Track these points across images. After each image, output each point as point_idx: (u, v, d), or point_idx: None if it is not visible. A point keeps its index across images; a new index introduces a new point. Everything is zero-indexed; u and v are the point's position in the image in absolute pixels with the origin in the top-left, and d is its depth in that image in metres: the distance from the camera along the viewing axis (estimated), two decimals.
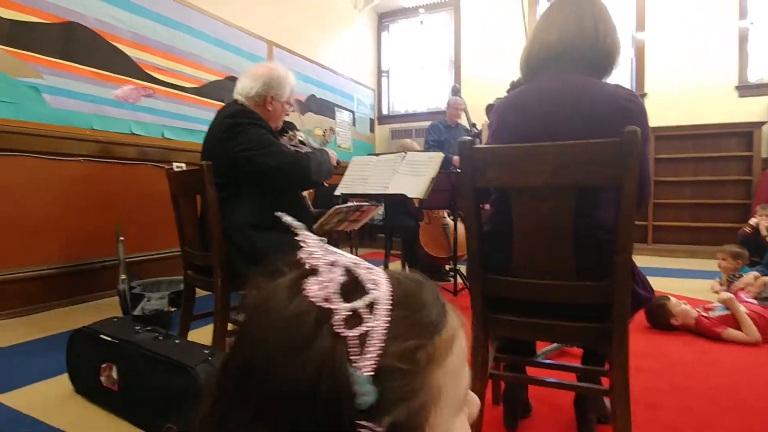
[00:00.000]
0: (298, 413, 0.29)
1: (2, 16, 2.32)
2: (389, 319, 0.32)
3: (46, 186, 2.52)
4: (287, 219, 0.37)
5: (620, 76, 1.28)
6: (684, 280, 3.31)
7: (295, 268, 0.35)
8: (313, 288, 0.32)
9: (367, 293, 0.33)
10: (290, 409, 0.29)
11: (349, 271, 0.34)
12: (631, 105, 1.02)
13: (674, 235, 4.61)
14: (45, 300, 2.49)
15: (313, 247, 0.35)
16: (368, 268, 0.35)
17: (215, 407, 0.33)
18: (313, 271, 0.33)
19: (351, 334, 0.30)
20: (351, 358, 0.30)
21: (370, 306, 0.32)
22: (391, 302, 0.33)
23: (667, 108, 4.54)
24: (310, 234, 0.36)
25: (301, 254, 0.35)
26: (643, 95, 4.73)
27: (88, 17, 2.70)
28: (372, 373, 0.29)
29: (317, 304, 0.31)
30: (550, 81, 1.10)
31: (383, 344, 0.31)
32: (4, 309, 2.31)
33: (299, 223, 0.36)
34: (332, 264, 0.34)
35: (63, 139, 2.57)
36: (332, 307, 0.31)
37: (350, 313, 0.31)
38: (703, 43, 4.55)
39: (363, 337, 0.30)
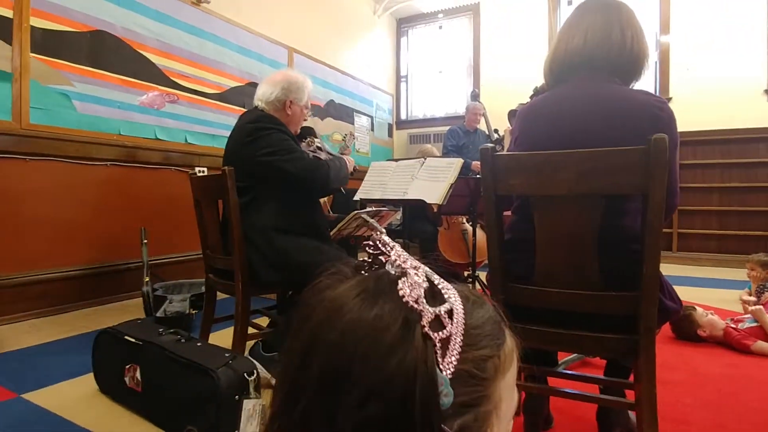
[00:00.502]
0: (391, 411, 0.29)
1: (35, 25, 2.40)
2: (465, 327, 0.34)
3: (75, 189, 2.60)
4: (366, 217, 0.39)
5: (643, 79, 1.26)
6: (711, 290, 3.21)
7: (353, 272, 0.36)
8: (405, 289, 0.32)
9: (445, 300, 0.34)
10: (384, 408, 0.29)
11: (428, 278, 0.35)
12: (660, 112, 0.99)
13: (700, 243, 4.48)
14: (71, 300, 2.56)
15: (398, 250, 0.36)
16: (438, 277, 0.36)
17: (295, 410, 0.31)
18: (402, 274, 0.34)
19: (437, 337, 0.32)
20: (437, 359, 0.31)
21: (450, 313, 0.34)
22: (464, 312, 0.34)
23: (692, 112, 4.43)
24: (388, 239, 0.37)
25: (385, 258, 0.36)
26: (668, 99, 4.62)
27: (116, 26, 2.78)
28: (451, 377, 0.31)
29: (410, 304, 0.32)
30: (576, 87, 1.08)
31: (460, 350, 0.32)
32: (32, 309, 2.39)
33: (378, 225, 0.38)
34: (416, 269, 0.34)
35: (91, 144, 2.65)
36: (422, 309, 0.32)
37: (435, 317, 0.32)
38: (730, 45, 4.43)
39: (445, 342, 0.32)
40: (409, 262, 0.35)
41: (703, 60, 4.54)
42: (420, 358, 0.30)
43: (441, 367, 0.31)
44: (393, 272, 0.35)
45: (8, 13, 2.30)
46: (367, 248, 0.37)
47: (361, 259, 0.38)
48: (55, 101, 2.50)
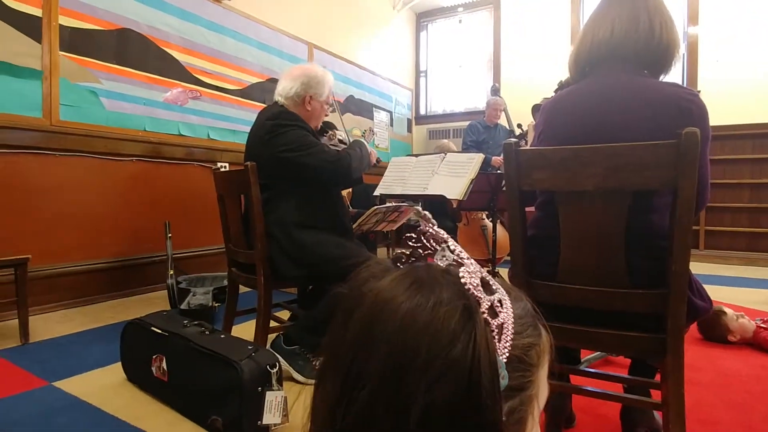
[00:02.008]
0: (458, 395, 0.29)
1: (64, 24, 2.47)
2: (513, 316, 0.36)
3: (103, 184, 2.67)
4: (425, 213, 0.40)
5: (671, 71, 1.22)
6: (740, 289, 3.12)
7: (392, 265, 0.37)
8: (467, 277, 0.34)
9: (495, 290, 0.36)
10: (451, 392, 0.29)
11: (480, 270, 0.36)
12: (691, 105, 0.96)
13: (729, 241, 4.35)
14: (100, 292, 2.64)
15: (453, 243, 0.37)
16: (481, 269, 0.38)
17: (357, 401, 0.31)
18: (460, 263, 0.35)
19: (494, 323, 0.34)
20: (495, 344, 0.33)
21: (500, 302, 0.35)
22: (510, 302, 0.36)
23: (722, 106, 4.27)
24: (442, 232, 0.38)
25: (424, 251, 0.37)
26: (697, 91, 4.48)
27: (142, 24, 2.83)
28: (505, 361, 0.33)
29: (471, 291, 0.33)
30: (603, 80, 1.05)
31: (512, 337, 0.34)
32: (63, 300, 2.47)
33: (431, 218, 0.39)
34: (469, 258, 0.36)
35: (118, 140, 2.72)
36: (480, 296, 0.34)
37: (490, 305, 0.34)
38: (760, 36, 4.26)
39: (500, 328, 0.34)
40: (465, 254, 0.36)
41: (733, 52, 4.38)
42: (482, 343, 0.30)
43: (498, 351, 0.33)
44: (441, 264, 0.36)
45: (37, 12, 2.37)
46: (409, 241, 0.38)
47: (399, 252, 0.39)
48: (83, 98, 2.57)
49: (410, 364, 0.30)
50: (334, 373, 0.33)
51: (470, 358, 0.30)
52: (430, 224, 0.38)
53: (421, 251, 0.37)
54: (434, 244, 0.37)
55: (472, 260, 0.36)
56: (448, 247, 0.37)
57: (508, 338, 0.34)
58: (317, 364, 0.37)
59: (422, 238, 0.37)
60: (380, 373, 0.30)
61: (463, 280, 0.33)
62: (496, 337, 0.33)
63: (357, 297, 0.34)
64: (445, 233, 0.37)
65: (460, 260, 0.35)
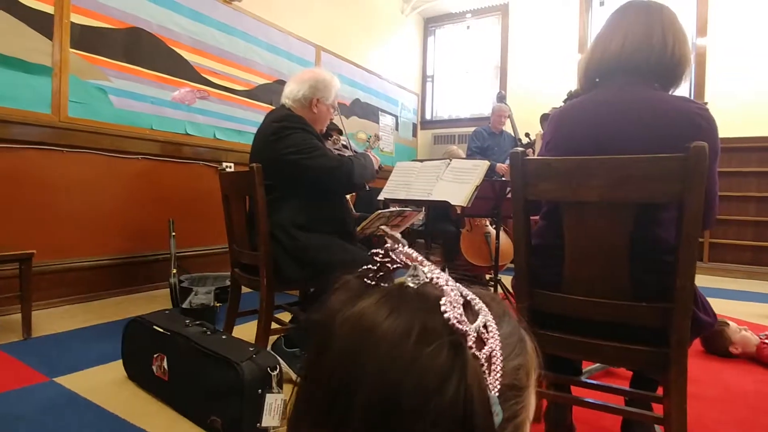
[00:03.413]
0: None
1: (75, 21, 2.49)
2: (500, 338, 0.32)
3: (109, 182, 2.69)
4: (393, 234, 0.36)
5: (680, 86, 1.21)
6: (744, 303, 3.10)
7: (360, 284, 0.34)
8: (449, 311, 0.30)
9: (479, 313, 0.33)
10: None
11: (459, 291, 0.33)
12: (700, 120, 0.96)
13: (734, 254, 4.32)
14: (103, 288, 2.65)
15: (429, 266, 0.34)
16: (460, 285, 0.34)
17: None
18: (441, 293, 0.31)
19: (482, 355, 0.30)
20: (486, 379, 0.30)
21: (486, 327, 0.32)
22: (495, 322, 0.33)
23: (729, 118, 4.25)
24: (413, 252, 0.35)
25: (391, 264, 0.34)
26: (704, 104, 4.46)
27: (152, 23, 2.86)
28: (498, 394, 0.30)
29: (456, 326, 0.30)
30: (612, 92, 1.05)
31: (501, 365, 0.31)
32: (67, 295, 2.48)
33: (397, 235, 0.36)
34: (448, 283, 0.32)
35: (125, 138, 2.73)
36: (466, 329, 0.30)
37: (476, 334, 0.31)
38: None
39: (489, 358, 0.31)
40: (443, 277, 0.33)
41: (741, 64, 4.37)
42: (474, 383, 0.28)
43: (489, 386, 0.30)
44: (412, 284, 0.33)
45: (50, 9, 2.39)
46: (375, 255, 0.35)
47: (363, 268, 0.36)
48: (92, 96, 2.59)
49: (398, 408, 0.27)
50: (314, 414, 0.31)
51: (462, 401, 0.27)
52: (400, 243, 0.35)
53: (389, 266, 0.35)
54: (404, 259, 0.34)
55: (449, 281, 0.33)
56: (422, 268, 0.33)
57: (498, 368, 0.31)
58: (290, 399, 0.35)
59: (390, 254, 0.35)
60: (365, 418, 0.28)
61: (446, 315, 0.30)
62: (486, 371, 0.30)
63: (330, 329, 0.32)
64: (415, 252, 0.35)
65: (437, 286, 0.32)
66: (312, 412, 0.31)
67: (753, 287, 3.70)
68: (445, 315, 0.30)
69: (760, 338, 2.01)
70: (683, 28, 1.05)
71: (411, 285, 0.33)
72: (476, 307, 0.33)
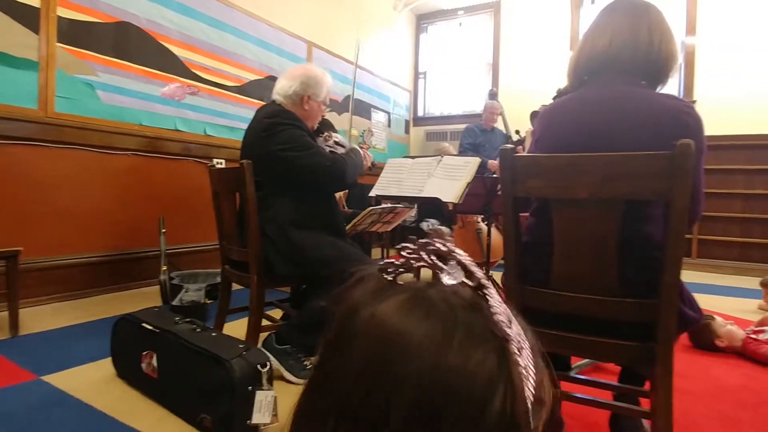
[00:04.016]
0: None
1: (62, 15, 2.45)
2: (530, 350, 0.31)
3: (97, 178, 2.65)
4: (440, 229, 0.34)
5: (667, 84, 1.22)
6: (731, 299, 3.14)
7: (379, 278, 0.33)
8: (498, 309, 0.29)
9: (512, 320, 0.31)
10: None
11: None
12: (687, 118, 0.97)
13: (722, 251, 4.38)
14: (92, 286, 2.62)
15: (476, 267, 0.32)
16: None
17: None
18: (484, 296, 0.30)
19: (521, 363, 0.29)
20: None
21: (521, 336, 0.31)
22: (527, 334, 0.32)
23: (717, 117, 4.31)
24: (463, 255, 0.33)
25: (418, 264, 0.32)
26: (693, 102, 4.51)
27: (140, 18, 2.82)
28: (530, 406, 0.29)
29: (504, 331, 0.29)
30: (600, 89, 1.06)
31: (534, 376, 0.30)
32: (54, 293, 2.45)
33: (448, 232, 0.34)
34: (490, 285, 0.31)
35: (114, 133, 2.70)
36: (511, 334, 0.29)
37: (518, 342, 0.30)
38: (757, 47, 4.30)
39: (526, 368, 0.29)
40: (483, 276, 0.31)
41: (730, 62, 4.42)
42: (518, 393, 0.27)
43: (528, 397, 0.29)
44: (449, 281, 0.31)
45: (36, 3, 2.35)
46: (404, 251, 0.33)
47: (384, 262, 0.34)
48: (79, 91, 2.55)
49: (443, 415, 0.26)
50: (335, 410, 0.29)
51: (510, 410, 0.27)
52: (443, 240, 0.33)
53: (413, 262, 0.33)
54: (434, 259, 0.32)
55: (493, 287, 0.31)
56: (462, 264, 0.32)
57: (532, 379, 0.29)
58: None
59: (421, 251, 0.33)
60: (406, 424, 0.26)
61: (496, 317, 0.28)
62: (525, 380, 0.29)
63: (355, 321, 0.30)
64: (457, 250, 0.33)
65: (482, 285, 0.30)
66: (332, 410, 0.29)
67: (740, 283, 3.76)
68: (496, 317, 0.29)
69: (747, 332, 2.04)
70: (669, 27, 1.06)
71: (446, 283, 0.31)
72: (509, 313, 0.31)
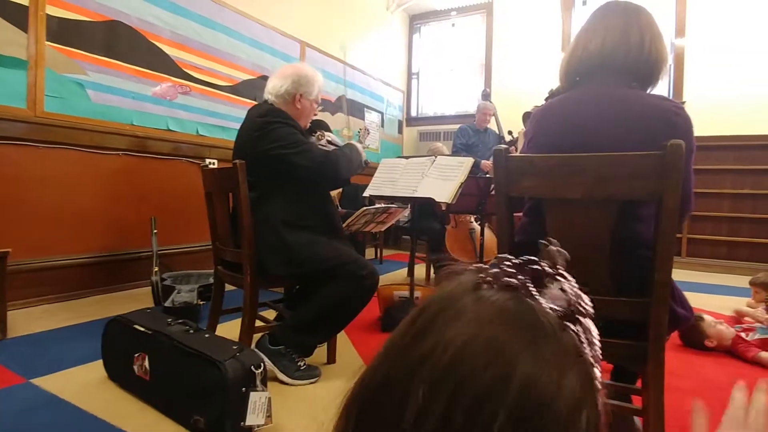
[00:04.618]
0: None
1: (51, 13, 2.42)
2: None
3: (88, 178, 2.63)
4: (560, 251, 0.35)
5: (658, 85, 1.24)
6: (720, 297, 3.18)
7: (474, 288, 0.32)
8: (587, 348, 0.30)
9: (594, 342, 0.32)
10: None
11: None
12: (677, 118, 0.98)
13: (710, 249, 4.44)
14: (82, 287, 2.59)
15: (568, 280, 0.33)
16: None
17: None
18: (579, 314, 0.31)
19: (601, 388, 0.30)
20: None
21: (594, 358, 0.32)
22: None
23: (706, 117, 4.36)
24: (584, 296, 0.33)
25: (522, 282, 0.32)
26: (682, 103, 4.55)
27: (131, 16, 2.79)
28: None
29: (592, 355, 0.30)
30: (592, 90, 1.07)
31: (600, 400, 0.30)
32: (44, 294, 2.42)
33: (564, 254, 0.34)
34: (586, 303, 0.33)
35: (105, 133, 2.67)
36: (592, 360, 0.30)
37: (594, 364, 0.31)
38: (746, 49, 4.36)
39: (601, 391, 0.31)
40: (583, 298, 0.32)
41: (719, 64, 4.48)
42: (600, 416, 0.28)
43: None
44: (547, 301, 0.31)
45: (24, 1, 2.32)
46: (529, 264, 0.32)
47: (483, 275, 0.33)
48: (69, 90, 2.52)
49: (535, 422, 0.26)
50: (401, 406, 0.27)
51: (582, 405, 0.27)
52: (561, 271, 0.33)
53: (512, 279, 0.32)
54: (534, 285, 0.32)
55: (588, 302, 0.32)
56: (564, 287, 0.32)
57: (600, 402, 0.30)
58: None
59: (520, 270, 0.32)
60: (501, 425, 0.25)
61: (584, 346, 0.29)
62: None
63: (456, 305, 0.30)
64: (567, 276, 0.33)
65: (582, 311, 0.31)
66: (402, 398, 0.28)
67: (728, 281, 3.81)
68: (584, 346, 0.30)
69: (736, 330, 2.07)
70: (659, 29, 1.08)
71: (552, 307, 0.31)
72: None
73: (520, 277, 0.32)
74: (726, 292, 3.36)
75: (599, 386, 0.30)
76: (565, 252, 0.34)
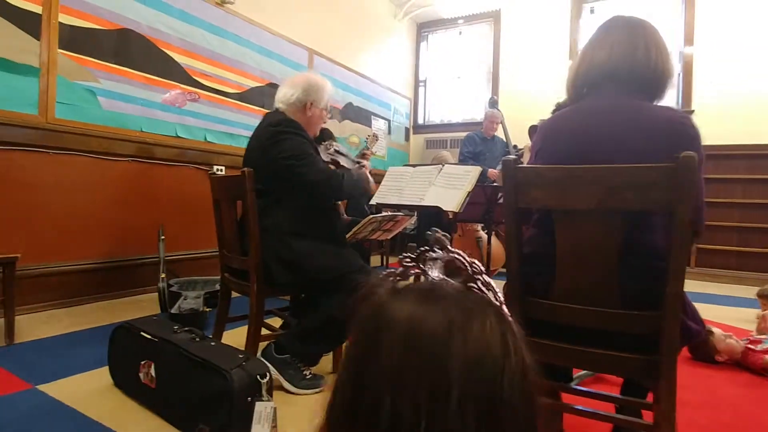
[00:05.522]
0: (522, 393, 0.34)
1: (64, 22, 2.46)
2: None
3: (97, 184, 2.65)
4: (441, 236, 0.46)
5: (664, 98, 1.25)
6: (730, 308, 3.14)
7: (393, 283, 0.40)
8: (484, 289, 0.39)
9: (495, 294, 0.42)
10: (521, 392, 0.35)
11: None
12: (686, 129, 0.98)
13: (720, 260, 4.39)
14: (89, 293, 2.60)
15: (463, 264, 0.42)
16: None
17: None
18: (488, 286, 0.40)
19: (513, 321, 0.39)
20: None
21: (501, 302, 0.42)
22: None
23: (715, 126, 4.33)
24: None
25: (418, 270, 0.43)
26: (691, 112, 4.53)
27: (142, 25, 2.83)
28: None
29: (497, 299, 0.39)
30: (599, 102, 1.07)
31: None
32: (50, 300, 2.43)
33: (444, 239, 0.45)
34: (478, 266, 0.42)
35: (114, 140, 2.70)
36: (501, 300, 0.40)
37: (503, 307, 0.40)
38: (755, 57, 4.33)
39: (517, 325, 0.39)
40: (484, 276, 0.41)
41: (728, 73, 4.45)
42: (523, 343, 0.35)
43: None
44: (458, 280, 0.40)
45: (38, 9, 2.36)
46: (404, 260, 0.42)
47: (387, 272, 0.41)
48: (80, 97, 2.55)
49: (486, 370, 0.33)
50: (383, 391, 0.33)
51: (521, 361, 0.34)
52: (440, 245, 0.42)
53: (411, 270, 0.42)
54: (425, 266, 0.42)
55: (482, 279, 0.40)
56: (458, 259, 0.41)
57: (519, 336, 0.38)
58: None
59: (418, 260, 0.42)
60: (460, 381, 0.32)
61: (489, 294, 0.38)
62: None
63: (382, 317, 0.36)
64: (455, 251, 0.42)
65: (476, 271, 0.40)
66: (382, 393, 0.33)
67: (738, 292, 3.76)
68: (486, 293, 0.39)
69: (744, 343, 2.04)
70: (664, 42, 1.09)
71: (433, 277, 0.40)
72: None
73: (421, 266, 0.42)
74: (736, 303, 3.31)
75: (510, 318, 0.37)
76: (447, 234, 0.45)
